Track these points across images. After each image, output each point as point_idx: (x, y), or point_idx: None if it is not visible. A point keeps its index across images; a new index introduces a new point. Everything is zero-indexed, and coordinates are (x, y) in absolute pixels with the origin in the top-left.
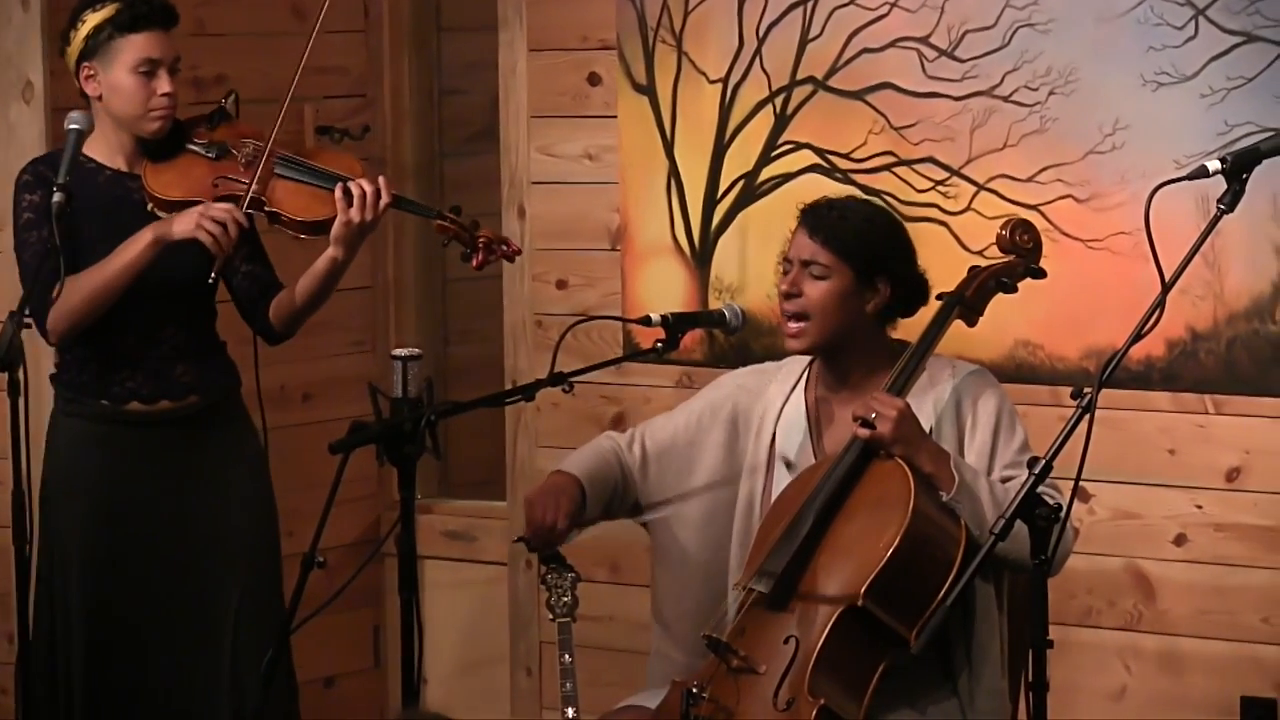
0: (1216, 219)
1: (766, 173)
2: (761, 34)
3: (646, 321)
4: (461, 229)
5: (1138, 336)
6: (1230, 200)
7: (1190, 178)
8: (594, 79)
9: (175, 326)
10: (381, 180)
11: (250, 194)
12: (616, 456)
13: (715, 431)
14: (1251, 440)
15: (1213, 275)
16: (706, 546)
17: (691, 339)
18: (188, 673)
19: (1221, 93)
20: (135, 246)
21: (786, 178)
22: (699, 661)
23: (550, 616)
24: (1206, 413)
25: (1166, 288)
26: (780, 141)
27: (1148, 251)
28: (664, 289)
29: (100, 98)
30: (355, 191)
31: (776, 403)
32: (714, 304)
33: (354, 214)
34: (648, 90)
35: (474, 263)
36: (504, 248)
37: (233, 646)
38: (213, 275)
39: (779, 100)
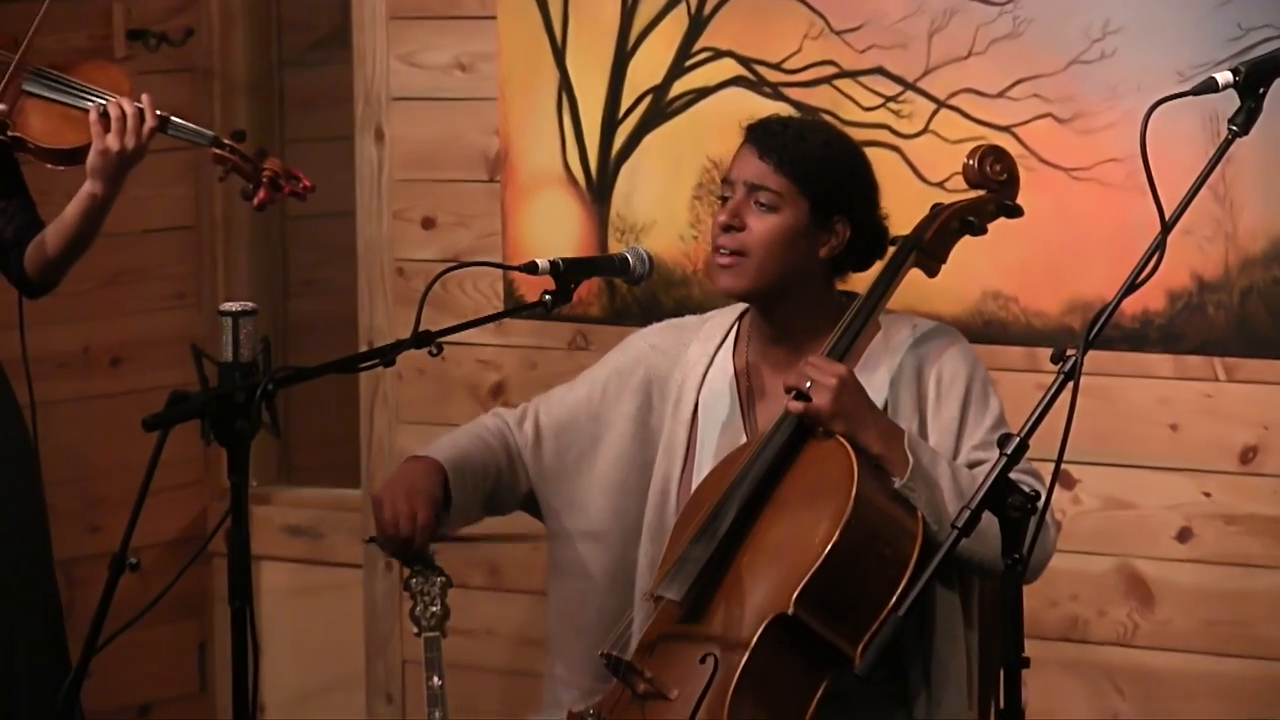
0: (1228, 143)
1: (679, 87)
2: None
3: (532, 269)
4: (243, 159)
5: (1132, 287)
6: (1244, 120)
7: (1196, 92)
8: None
9: None
10: (145, 99)
11: None
12: (502, 438)
13: (624, 403)
14: (1270, 414)
15: (1223, 212)
16: (612, 545)
17: (587, 290)
18: None
19: None
20: None
21: (703, 93)
22: (602, 687)
23: (416, 630)
24: (1216, 380)
25: (1167, 227)
26: (695, 49)
27: (1144, 183)
28: (553, 229)
29: None
30: (113, 113)
31: (698, 367)
32: (614, 247)
33: (111, 140)
34: None
35: (255, 201)
36: (295, 184)
37: None
38: None
39: None
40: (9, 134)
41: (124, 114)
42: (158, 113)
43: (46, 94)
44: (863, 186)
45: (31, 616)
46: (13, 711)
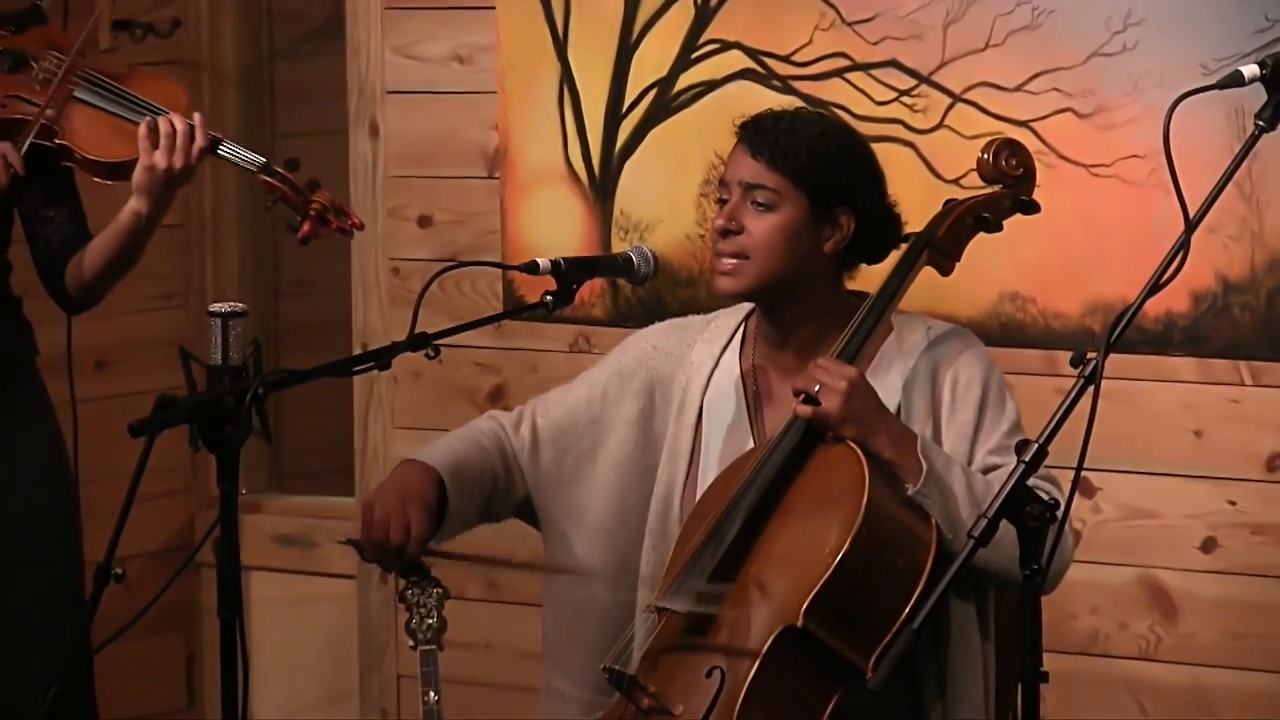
0: (1254, 139)
1: (685, 80)
2: None
3: (533, 268)
4: (293, 190)
5: (1155, 288)
6: (1271, 115)
7: (1221, 86)
8: None
9: None
10: (198, 118)
11: (41, 120)
12: (498, 442)
13: (625, 406)
14: None
15: (1249, 210)
16: (613, 554)
17: (590, 291)
18: None
19: None
20: None
21: (710, 86)
22: (604, 700)
23: (411, 643)
24: (1241, 384)
25: (1191, 226)
26: (702, 41)
27: (1167, 180)
28: (555, 227)
29: None
30: (163, 129)
31: (703, 369)
32: (618, 246)
33: (159, 158)
34: None
35: (299, 234)
36: (343, 220)
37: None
38: None
39: None
40: (56, 141)
41: (174, 131)
42: (209, 133)
43: (98, 103)
44: (864, 175)
45: (57, 620)
46: (33, 716)
